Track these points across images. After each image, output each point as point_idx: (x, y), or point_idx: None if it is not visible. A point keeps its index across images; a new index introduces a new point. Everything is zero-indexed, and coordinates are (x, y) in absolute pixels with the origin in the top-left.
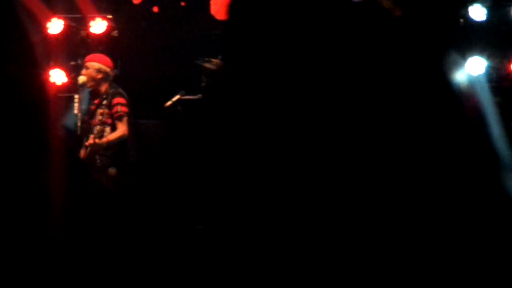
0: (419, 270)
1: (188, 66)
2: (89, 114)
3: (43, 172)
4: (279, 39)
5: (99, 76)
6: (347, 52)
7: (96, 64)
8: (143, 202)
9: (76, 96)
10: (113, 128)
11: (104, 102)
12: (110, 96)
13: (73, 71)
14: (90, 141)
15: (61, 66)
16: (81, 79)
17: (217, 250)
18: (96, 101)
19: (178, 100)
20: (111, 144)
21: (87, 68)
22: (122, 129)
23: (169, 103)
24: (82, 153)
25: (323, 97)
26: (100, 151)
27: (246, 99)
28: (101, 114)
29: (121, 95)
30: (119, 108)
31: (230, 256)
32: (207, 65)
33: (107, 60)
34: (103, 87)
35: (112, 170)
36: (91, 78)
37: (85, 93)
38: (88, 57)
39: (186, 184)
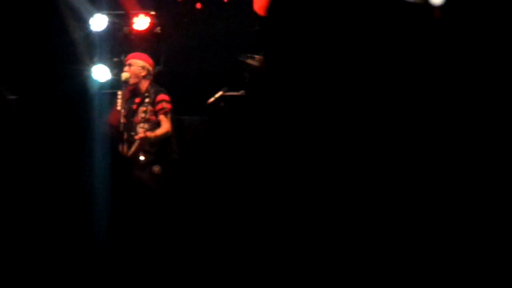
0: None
1: (231, 62)
2: (130, 112)
3: (87, 168)
4: (321, 35)
5: (143, 73)
6: (389, 49)
7: (140, 62)
8: (184, 199)
9: (119, 93)
10: (157, 126)
11: (147, 100)
12: (153, 93)
13: (116, 67)
14: (141, 134)
15: (104, 63)
16: (124, 75)
17: (260, 248)
18: (137, 100)
19: (221, 96)
20: (156, 140)
21: (130, 65)
22: (167, 125)
23: (212, 99)
24: (125, 149)
25: (368, 96)
26: (146, 148)
27: (288, 96)
28: (144, 111)
29: (164, 92)
30: (164, 104)
31: (269, 254)
32: (249, 61)
33: (149, 58)
34: (144, 85)
35: (156, 168)
36: (135, 75)
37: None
38: (130, 55)
39: (228, 180)
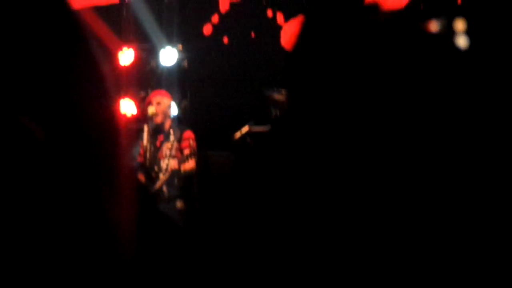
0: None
1: (257, 97)
2: (154, 148)
3: (113, 203)
4: (348, 71)
5: (169, 112)
6: (415, 87)
7: (167, 101)
8: (208, 235)
9: (145, 127)
10: (183, 161)
11: (172, 137)
12: (179, 130)
13: (143, 101)
14: (175, 165)
15: (131, 97)
16: (151, 110)
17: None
18: (159, 136)
19: (247, 132)
20: (184, 175)
21: (159, 104)
22: (193, 162)
23: (238, 134)
24: (148, 183)
25: (392, 130)
26: (172, 182)
27: (311, 132)
28: (169, 148)
29: (190, 130)
30: (191, 142)
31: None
32: (276, 95)
33: (170, 96)
34: (168, 123)
35: (179, 203)
36: (163, 113)
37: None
38: (157, 92)
39: (254, 217)
